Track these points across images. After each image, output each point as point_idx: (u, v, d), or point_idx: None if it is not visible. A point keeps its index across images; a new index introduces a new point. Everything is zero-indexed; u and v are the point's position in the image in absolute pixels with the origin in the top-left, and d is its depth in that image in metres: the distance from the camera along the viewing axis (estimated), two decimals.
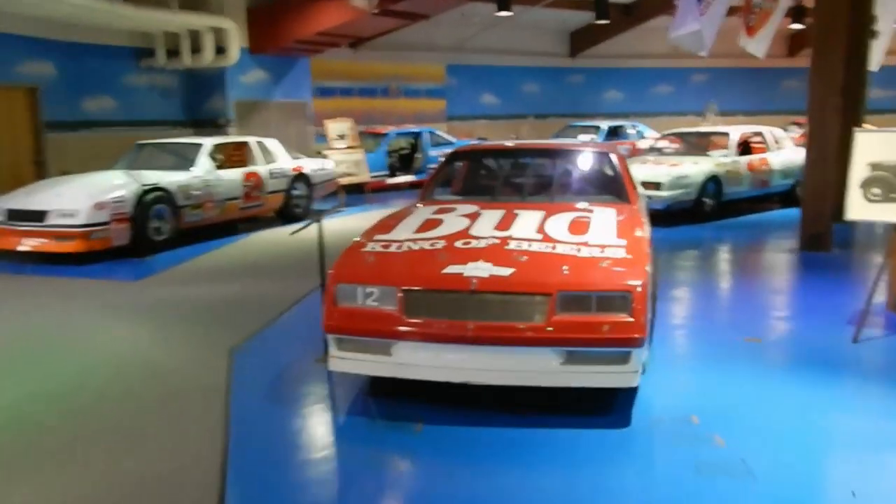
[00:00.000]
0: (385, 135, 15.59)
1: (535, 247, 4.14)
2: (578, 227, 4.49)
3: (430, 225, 4.65)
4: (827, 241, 8.14)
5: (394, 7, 12.45)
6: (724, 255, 8.86)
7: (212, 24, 13.09)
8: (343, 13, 12.75)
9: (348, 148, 13.32)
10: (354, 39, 16.10)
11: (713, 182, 10.69)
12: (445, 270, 3.92)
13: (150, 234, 8.74)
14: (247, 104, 14.61)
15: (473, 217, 4.77)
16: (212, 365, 4.87)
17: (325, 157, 12.72)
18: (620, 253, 4.03)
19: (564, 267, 3.91)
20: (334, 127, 13.24)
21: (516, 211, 4.87)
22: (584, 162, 5.87)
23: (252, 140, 10.91)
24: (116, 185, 8.63)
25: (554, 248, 4.13)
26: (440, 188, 5.92)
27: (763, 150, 11.97)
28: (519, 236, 4.31)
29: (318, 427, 3.99)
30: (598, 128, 17.58)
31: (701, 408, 3.97)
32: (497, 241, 4.24)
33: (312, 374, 4.68)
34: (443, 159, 6.22)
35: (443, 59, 19.21)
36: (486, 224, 4.58)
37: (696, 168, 10.55)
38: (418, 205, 5.38)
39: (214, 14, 13.25)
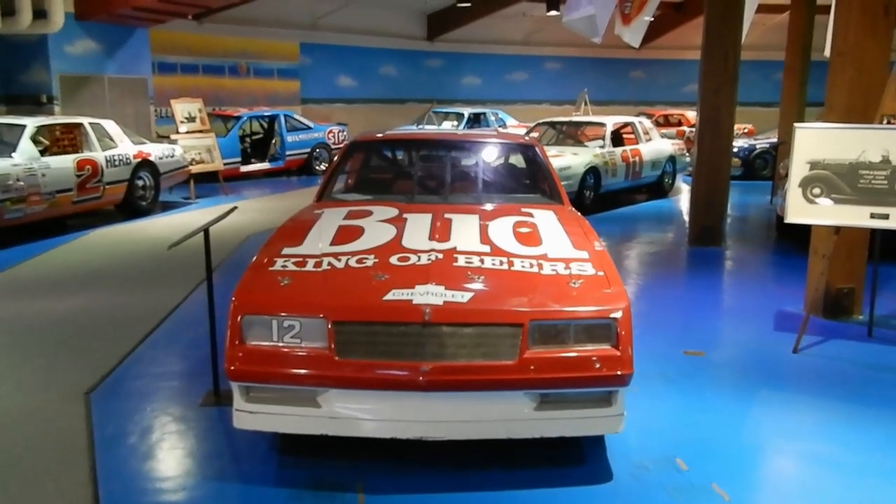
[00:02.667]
0: (237, 118, 14.19)
1: (488, 263, 3.43)
2: (526, 235, 3.83)
3: (347, 234, 3.80)
4: (718, 236, 8.05)
5: None
6: (617, 252, 8.59)
7: None
8: None
9: (198, 132, 11.90)
10: (201, 9, 14.49)
11: (592, 174, 10.48)
12: (388, 297, 3.11)
13: None
14: (74, 79, 12.68)
15: (398, 223, 3.97)
16: (63, 415, 3.76)
17: (172, 142, 11.27)
18: (588, 269, 3.41)
19: (530, 290, 3.22)
20: (182, 108, 11.77)
21: (446, 215, 4.12)
22: (508, 156, 5.23)
23: (86, 121, 9.34)
24: None
25: (510, 264, 3.43)
26: (339, 186, 5.06)
27: (634, 142, 11.96)
28: (464, 249, 3.57)
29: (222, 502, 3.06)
30: (461, 115, 17.13)
31: (679, 446, 3.45)
32: (440, 255, 3.48)
33: (199, 423, 3.70)
34: (339, 149, 5.34)
35: (296, 36, 17.95)
36: (418, 233, 3.80)
37: (577, 159, 10.28)
38: (320, 208, 4.48)
39: None
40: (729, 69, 7.72)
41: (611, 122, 11.73)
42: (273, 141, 14.89)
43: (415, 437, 3.05)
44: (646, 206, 11.64)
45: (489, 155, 5.21)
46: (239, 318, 3.10)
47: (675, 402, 4.00)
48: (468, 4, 17.02)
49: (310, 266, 3.42)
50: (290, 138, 14.85)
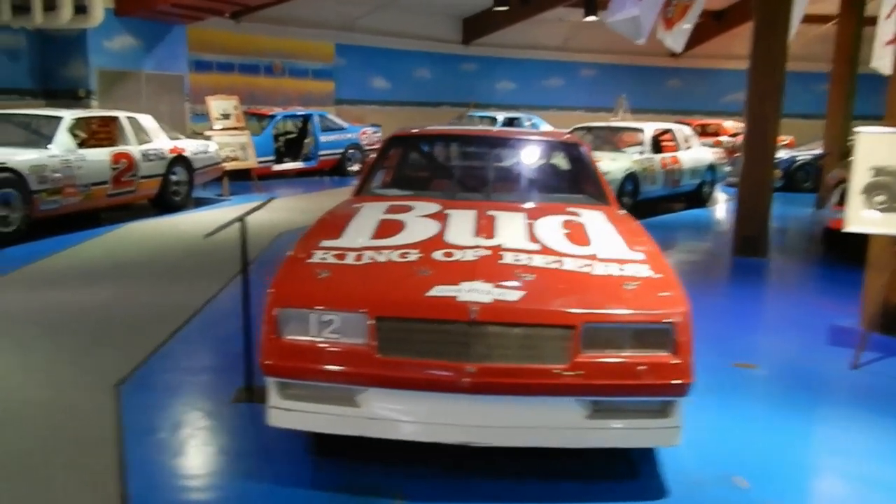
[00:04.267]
0: (271, 116, 14.17)
1: (538, 261, 3.25)
2: (575, 235, 3.64)
3: (388, 228, 3.65)
4: (762, 247, 7.78)
5: None
6: None
7: None
8: None
9: (233, 129, 11.87)
10: (239, 7, 14.50)
11: (631, 180, 10.24)
12: (432, 292, 2.95)
13: None
14: (112, 74, 12.74)
15: (440, 218, 3.81)
16: (93, 407, 3.64)
17: (207, 138, 11.25)
18: (644, 270, 3.21)
19: (583, 290, 3.04)
20: (217, 105, 11.76)
21: (490, 212, 3.95)
22: (552, 155, 5.04)
23: (122, 115, 9.33)
24: None
25: (560, 262, 3.25)
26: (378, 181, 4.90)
27: (674, 149, 11.69)
28: (511, 246, 3.39)
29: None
30: (494, 119, 16.97)
31: (737, 463, 3.24)
32: (487, 251, 3.30)
33: (230, 420, 3.57)
34: (379, 145, 5.18)
35: (332, 37, 17.93)
36: (462, 228, 3.63)
37: (616, 165, 10.05)
38: (359, 202, 4.34)
39: None
40: (776, 78, 7.46)
41: (650, 128, 11.48)
42: (306, 140, 14.85)
43: (458, 442, 2.88)
44: (685, 214, 11.36)
45: (533, 153, 5.03)
46: (275, 311, 2.96)
47: (729, 416, 3.78)
48: (506, 8, 16.83)
49: (350, 259, 3.27)
50: (323, 138, 14.79)
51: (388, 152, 5.06)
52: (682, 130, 12.27)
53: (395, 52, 19.25)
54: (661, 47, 23.83)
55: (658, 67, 23.16)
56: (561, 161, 5.06)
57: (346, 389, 2.93)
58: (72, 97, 12.23)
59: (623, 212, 4.36)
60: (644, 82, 22.81)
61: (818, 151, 13.19)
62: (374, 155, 5.06)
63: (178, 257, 7.25)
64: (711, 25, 20.92)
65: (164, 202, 9.76)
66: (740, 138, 18.44)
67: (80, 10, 11.53)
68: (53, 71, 12.54)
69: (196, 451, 3.30)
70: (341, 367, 2.91)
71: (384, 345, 2.88)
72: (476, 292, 2.93)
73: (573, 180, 4.89)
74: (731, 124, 19.55)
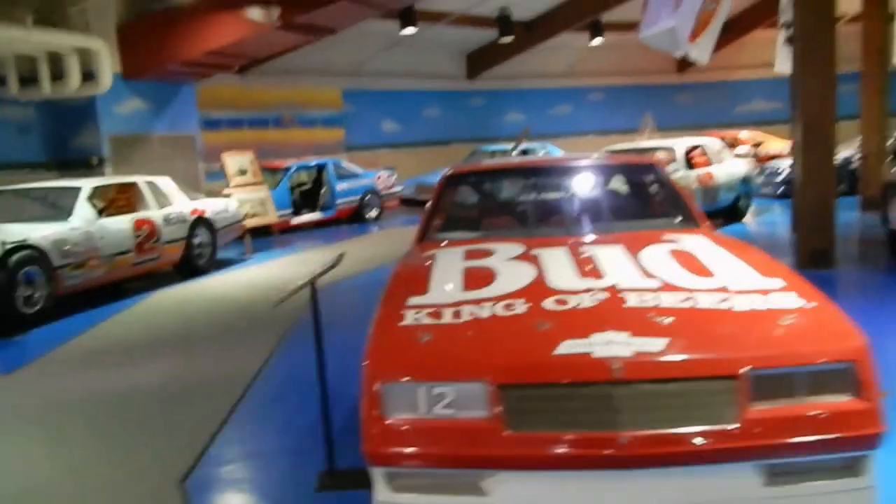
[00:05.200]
0: (286, 169, 13.85)
1: (666, 300, 2.79)
2: (691, 264, 3.19)
3: (477, 277, 3.20)
4: (832, 257, 7.30)
5: (298, 20, 10.85)
6: None
7: (76, 45, 10.94)
8: (239, 28, 11.00)
9: (250, 185, 11.53)
10: (248, 61, 14.28)
11: None
12: (560, 350, 2.49)
13: (18, 306, 6.71)
14: (123, 139, 12.45)
15: (531, 260, 3.37)
16: None
17: (225, 196, 10.89)
18: (793, 300, 2.75)
19: (735, 331, 2.58)
20: (234, 161, 11.44)
21: (582, 248, 3.52)
22: (629, 178, 4.62)
23: (140, 180, 8.98)
24: None
25: (694, 300, 2.79)
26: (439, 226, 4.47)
27: (706, 164, 11.28)
28: (629, 285, 2.94)
29: None
30: (507, 152, 16.62)
31: None
32: (605, 294, 2.85)
33: None
34: (435, 185, 4.74)
35: (338, 83, 17.72)
36: (562, 270, 3.19)
37: None
38: (426, 250, 3.90)
39: (78, 32, 11.09)
40: (829, 77, 7.08)
41: (681, 144, 11.11)
42: (322, 190, 14.51)
43: None
44: (726, 230, 10.89)
45: (606, 178, 4.62)
46: (377, 387, 2.50)
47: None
48: (510, 39, 16.62)
49: (447, 317, 2.81)
50: (339, 186, 14.46)
51: (446, 193, 4.64)
52: (713, 144, 11.89)
53: (403, 93, 19.04)
54: (666, 64, 23.76)
55: (666, 85, 22.92)
56: (638, 184, 4.63)
57: (469, 475, 2.46)
58: (84, 166, 11.93)
59: (722, 233, 3.92)
60: (653, 101, 22.44)
61: (849, 153, 12.75)
62: (429, 200, 4.63)
63: (215, 325, 6.82)
64: (718, 37, 20.65)
65: (188, 266, 9.35)
66: (762, 148, 18.16)
67: (88, 76, 11.28)
68: (64, 141, 12.28)
69: None
70: (462, 449, 2.44)
71: (512, 418, 2.41)
72: (613, 345, 2.47)
73: (655, 204, 4.46)
74: (747, 134, 19.20)
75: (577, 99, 22.08)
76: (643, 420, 2.36)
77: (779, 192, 13.75)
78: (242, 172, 11.55)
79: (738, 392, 2.37)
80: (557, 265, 3.26)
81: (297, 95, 16.84)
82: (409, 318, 2.84)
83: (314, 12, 10.71)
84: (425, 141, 19.68)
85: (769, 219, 12.15)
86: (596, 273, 3.11)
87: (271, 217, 11.68)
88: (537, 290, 2.98)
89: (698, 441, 2.34)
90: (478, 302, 2.91)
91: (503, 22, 16.79)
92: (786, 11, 10.11)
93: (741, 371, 2.38)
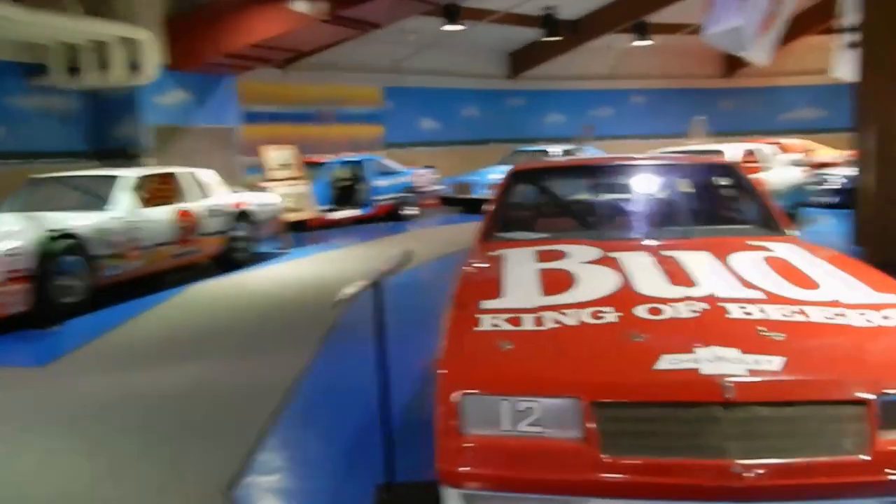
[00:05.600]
0: (325, 164, 13.69)
1: (773, 313, 2.51)
2: (792, 275, 2.90)
3: (556, 281, 2.95)
4: None
5: (345, 13, 10.67)
6: None
7: (122, 35, 10.87)
8: (285, 20, 10.85)
9: (291, 179, 11.38)
10: (292, 54, 14.15)
11: None
12: (661, 365, 2.23)
13: (56, 296, 6.57)
14: (164, 130, 12.36)
15: (611, 265, 3.10)
16: None
17: (264, 189, 10.75)
18: None
19: (858, 349, 2.30)
20: (275, 155, 11.32)
21: (665, 252, 3.24)
22: (707, 180, 4.33)
23: (182, 171, 8.85)
24: (8, 232, 6.46)
25: (804, 314, 2.50)
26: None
27: (758, 170, 10.87)
28: (728, 295, 2.66)
29: None
30: (546, 152, 16.31)
31: None
32: (704, 304, 2.58)
33: None
34: (499, 183, 4.48)
35: (379, 80, 17.56)
36: (649, 276, 2.92)
37: None
38: (492, 249, 3.65)
39: (125, 22, 11.02)
40: None
41: (732, 149, 10.73)
42: (361, 186, 14.33)
43: None
44: None
45: (684, 180, 4.33)
46: (455, 398, 2.26)
47: None
48: (558, 38, 16.32)
49: (529, 324, 2.56)
50: (377, 183, 14.26)
51: (511, 190, 4.38)
52: (766, 150, 11.49)
53: (443, 91, 18.81)
54: (710, 69, 23.25)
55: (709, 90, 22.43)
56: (714, 187, 4.34)
57: (557, 502, 2.20)
58: (125, 156, 11.86)
59: (815, 243, 3.62)
60: (696, 105, 21.99)
61: None
62: (492, 197, 4.38)
63: (254, 321, 6.64)
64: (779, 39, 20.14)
65: (227, 260, 9.21)
66: (812, 154, 17.59)
67: (132, 66, 11.20)
68: (105, 131, 12.22)
69: None
70: (550, 473, 2.19)
71: (609, 440, 2.16)
72: (723, 361, 2.20)
73: (735, 207, 4.17)
74: (793, 142, 18.64)
75: (618, 101, 21.69)
76: (758, 448, 2.08)
77: (836, 201, 13.23)
78: (284, 166, 11.41)
79: (866, 419, 2.09)
80: (642, 270, 2.99)
81: (336, 91, 16.70)
82: (486, 323, 2.59)
83: (363, 6, 10.52)
84: (463, 140, 19.44)
85: (823, 228, 11.68)
86: (687, 280, 2.84)
87: (311, 212, 11.52)
88: (625, 297, 2.72)
89: (823, 473, 2.06)
90: (560, 308, 2.65)
91: (548, 21, 16.50)
92: (849, 14, 9.73)
93: (871, 395, 2.10)
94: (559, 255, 3.33)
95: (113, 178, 7.94)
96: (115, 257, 7.30)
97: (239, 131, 13.91)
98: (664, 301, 2.63)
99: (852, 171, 12.38)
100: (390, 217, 14.46)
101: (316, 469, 3.49)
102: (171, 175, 8.71)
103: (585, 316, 2.57)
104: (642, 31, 17.66)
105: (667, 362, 2.23)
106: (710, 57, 22.80)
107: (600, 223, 4.00)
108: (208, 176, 9.15)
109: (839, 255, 3.34)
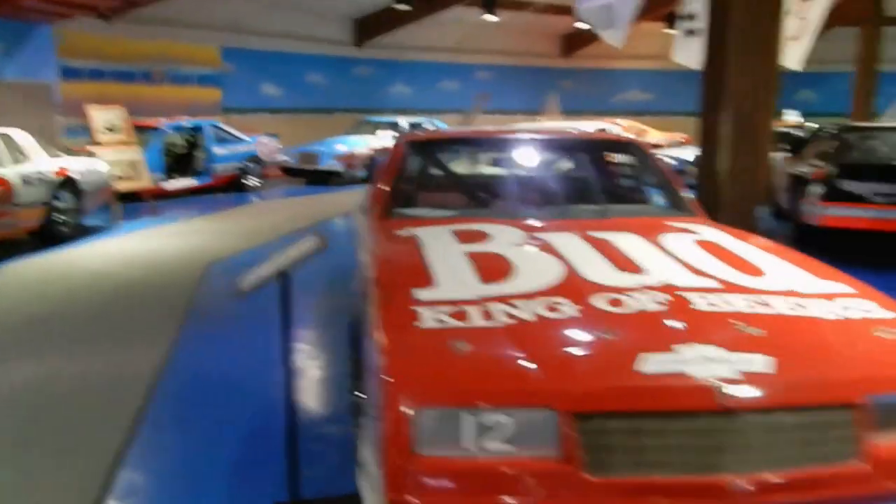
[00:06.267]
0: (158, 129, 12.44)
1: (739, 303, 2.32)
2: (729, 259, 2.75)
3: (491, 267, 2.61)
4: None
5: None
6: None
7: None
8: None
9: (120, 144, 10.19)
10: (119, 2, 12.62)
11: None
12: (646, 367, 1.96)
13: None
14: None
15: (544, 248, 2.81)
16: None
17: (89, 154, 9.54)
18: (873, 308, 2.37)
19: (831, 346, 2.15)
20: (101, 116, 10.05)
21: (592, 233, 2.99)
22: (609, 158, 4.14)
23: None
24: None
25: (768, 305, 2.33)
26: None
27: None
28: (684, 283, 2.45)
29: None
30: (396, 124, 15.94)
31: None
32: (664, 295, 2.34)
33: None
34: (388, 152, 4.05)
35: (217, 39, 16.24)
36: (590, 261, 2.65)
37: None
38: (398, 228, 3.25)
39: None
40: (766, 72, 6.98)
41: (584, 127, 10.92)
42: (198, 154, 13.21)
43: None
44: None
45: (587, 157, 4.12)
46: (407, 412, 1.87)
47: None
48: (408, 8, 15.84)
49: (477, 319, 2.20)
50: (217, 151, 13.21)
51: (404, 163, 3.97)
52: (614, 130, 11.83)
53: (286, 55, 17.78)
54: (551, 49, 23.81)
55: (551, 68, 23.00)
56: (621, 164, 4.18)
57: None
58: None
59: (729, 227, 3.53)
60: (538, 84, 22.48)
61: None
62: (382, 169, 3.95)
63: (91, 306, 5.76)
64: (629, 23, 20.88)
65: (49, 234, 8.05)
66: (643, 136, 18.49)
67: None
68: None
69: None
70: (525, 500, 1.86)
71: (593, 458, 1.86)
72: (711, 362, 1.97)
73: (641, 187, 4.02)
74: (627, 123, 19.55)
75: (464, 75, 21.66)
76: (762, 459, 1.88)
77: None
78: (111, 129, 10.18)
79: (863, 423, 1.94)
80: (581, 255, 2.72)
81: (170, 49, 15.24)
82: (427, 317, 2.20)
83: None
84: (308, 108, 18.57)
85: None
86: (633, 266, 2.60)
87: (144, 181, 10.40)
88: (575, 285, 2.43)
89: (823, 486, 1.89)
90: (507, 299, 2.32)
91: None
92: (689, 2, 10.16)
93: (868, 398, 1.95)
94: (481, 236, 3.00)
95: None
96: None
97: (57, 88, 12.29)
98: (619, 290, 2.37)
99: (684, 154, 13.14)
100: (231, 188, 13.47)
101: (197, 486, 2.94)
102: None
103: (540, 308, 2.25)
104: (491, 5, 17.60)
105: (650, 364, 1.96)
106: (550, 37, 23.38)
107: (508, 200, 3.70)
108: (24, 138, 7.92)
109: (758, 237, 3.26)
